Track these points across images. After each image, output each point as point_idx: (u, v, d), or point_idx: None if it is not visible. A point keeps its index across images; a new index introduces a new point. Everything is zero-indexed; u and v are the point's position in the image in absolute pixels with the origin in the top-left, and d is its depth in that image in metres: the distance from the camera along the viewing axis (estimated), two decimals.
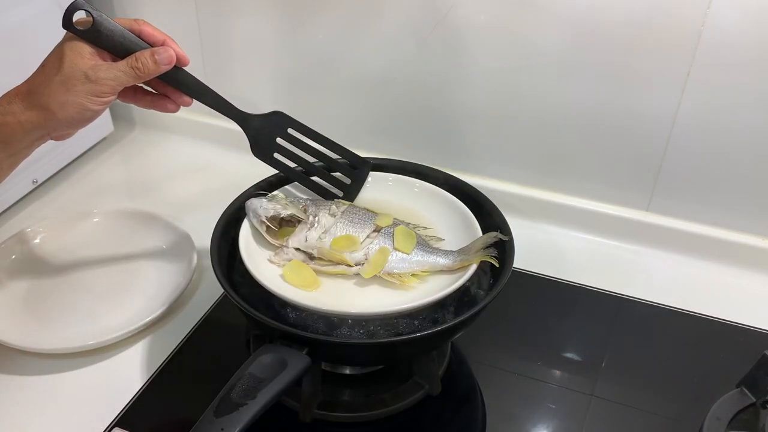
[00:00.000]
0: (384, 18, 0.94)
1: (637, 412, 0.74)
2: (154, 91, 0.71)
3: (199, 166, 1.12)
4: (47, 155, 1.01)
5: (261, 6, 1.01)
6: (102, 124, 1.12)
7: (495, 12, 0.88)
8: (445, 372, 0.77)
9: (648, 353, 0.81)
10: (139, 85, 0.71)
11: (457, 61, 0.93)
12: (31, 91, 0.64)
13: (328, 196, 0.80)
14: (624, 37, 0.84)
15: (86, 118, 0.65)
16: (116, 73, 0.64)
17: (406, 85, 0.98)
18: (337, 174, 0.81)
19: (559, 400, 0.75)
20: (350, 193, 0.81)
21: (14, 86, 0.65)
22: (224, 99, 0.72)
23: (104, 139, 1.14)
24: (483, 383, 0.77)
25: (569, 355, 0.81)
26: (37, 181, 1.01)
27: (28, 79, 0.65)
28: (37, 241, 0.90)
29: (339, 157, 0.80)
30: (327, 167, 0.80)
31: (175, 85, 0.69)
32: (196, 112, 1.14)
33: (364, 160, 0.81)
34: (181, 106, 0.72)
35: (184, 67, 0.69)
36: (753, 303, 0.87)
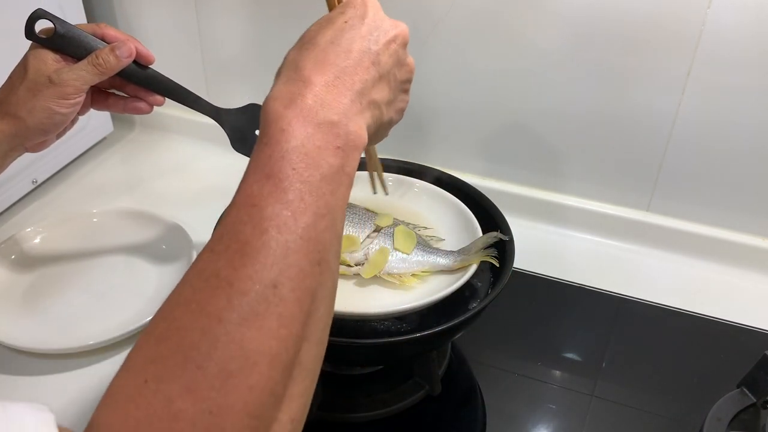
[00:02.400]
0: None
1: (637, 413, 0.74)
2: (125, 95, 0.72)
3: (199, 165, 1.12)
4: (47, 155, 1.01)
5: (261, 6, 1.01)
6: (101, 125, 1.12)
7: (495, 12, 0.88)
8: (445, 372, 0.77)
9: (648, 353, 0.81)
10: (112, 91, 0.71)
11: (456, 60, 0.93)
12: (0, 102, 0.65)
13: None
14: (624, 37, 0.84)
15: (56, 122, 0.66)
16: (79, 72, 0.64)
17: None
18: None
19: (559, 400, 0.75)
20: None
21: None
22: (195, 94, 0.71)
23: (104, 139, 1.14)
24: (483, 383, 0.77)
25: (569, 355, 0.81)
26: (36, 181, 1.01)
27: None
28: (37, 241, 0.90)
29: None
30: None
31: (145, 85, 0.69)
32: (195, 113, 1.14)
33: None
34: (154, 106, 0.72)
35: (150, 65, 0.69)
36: (753, 303, 0.87)
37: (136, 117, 1.20)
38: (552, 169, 0.97)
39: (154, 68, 0.69)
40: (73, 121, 0.70)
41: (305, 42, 0.49)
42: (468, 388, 0.77)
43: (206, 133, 1.15)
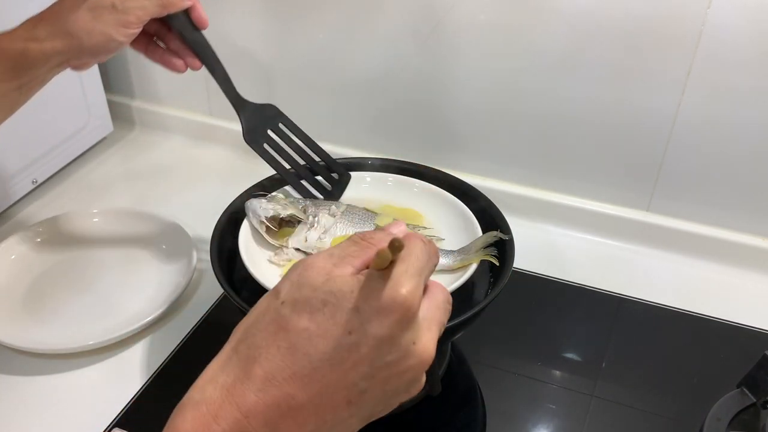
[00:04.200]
0: (383, 17, 0.94)
1: (637, 413, 0.74)
2: (166, 47, 0.73)
3: (199, 166, 1.12)
4: (47, 155, 1.01)
5: (259, 4, 1.01)
6: (101, 124, 1.12)
7: (495, 11, 0.88)
8: (445, 372, 0.77)
9: (648, 353, 0.81)
10: (156, 42, 0.73)
11: (456, 60, 0.93)
12: (58, 16, 0.64)
13: (308, 195, 0.80)
14: (624, 37, 0.84)
15: (110, 48, 0.66)
16: (144, 2, 0.65)
17: (406, 85, 0.98)
18: (318, 177, 0.81)
19: (559, 400, 0.75)
20: (331, 198, 0.81)
21: None
22: (229, 77, 0.73)
23: (104, 139, 1.14)
24: (483, 383, 0.77)
25: (569, 355, 0.81)
26: (36, 181, 1.01)
27: (53, 5, 0.66)
28: (37, 241, 0.90)
29: (322, 161, 0.81)
30: (311, 169, 0.80)
31: (190, 43, 0.71)
32: (195, 113, 1.14)
33: (345, 170, 0.81)
34: (189, 69, 0.73)
35: (202, 30, 0.70)
36: (753, 303, 0.87)
37: (136, 117, 1.20)
38: (552, 169, 0.97)
39: (204, 35, 0.70)
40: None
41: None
42: (468, 388, 0.77)
43: (206, 133, 1.15)
